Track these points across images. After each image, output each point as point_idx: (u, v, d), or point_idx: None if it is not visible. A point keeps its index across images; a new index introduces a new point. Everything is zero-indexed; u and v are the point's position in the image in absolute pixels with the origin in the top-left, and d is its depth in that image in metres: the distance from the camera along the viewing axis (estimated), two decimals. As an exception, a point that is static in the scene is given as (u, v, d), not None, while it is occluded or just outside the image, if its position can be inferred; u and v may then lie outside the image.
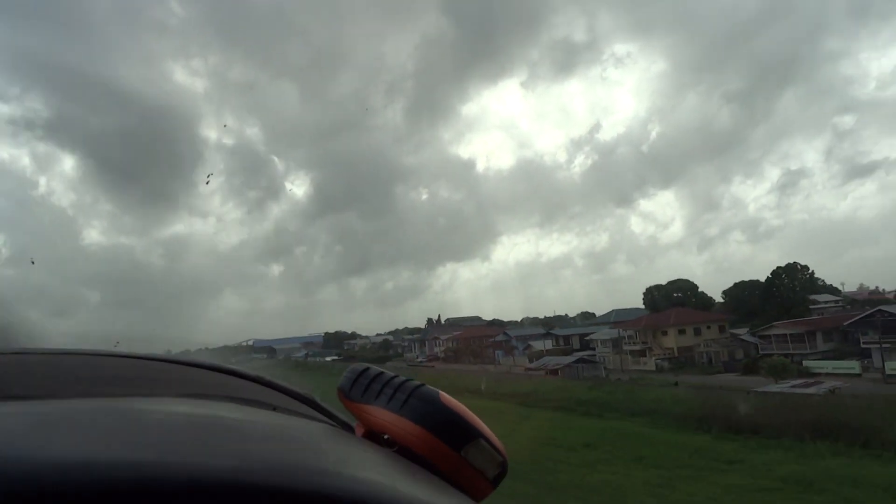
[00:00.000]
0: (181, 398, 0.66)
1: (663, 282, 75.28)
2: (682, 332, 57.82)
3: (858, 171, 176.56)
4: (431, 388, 0.63)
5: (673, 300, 70.86)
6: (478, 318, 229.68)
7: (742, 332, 58.57)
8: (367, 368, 0.66)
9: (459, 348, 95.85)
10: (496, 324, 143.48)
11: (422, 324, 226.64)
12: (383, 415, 0.62)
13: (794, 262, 55.70)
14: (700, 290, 72.64)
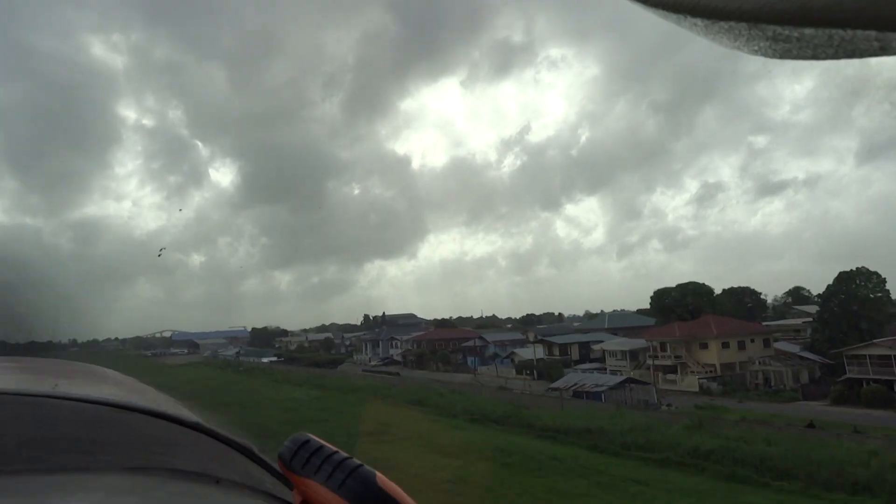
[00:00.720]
0: (118, 474, 0.64)
1: (672, 285, 65.45)
2: (725, 345, 47.97)
3: (769, 188, 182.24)
4: (370, 469, 0.63)
5: (686, 307, 61.27)
6: (412, 316, 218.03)
7: (789, 347, 49.68)
8: (309, 440, 0.66)
9: (422, 352, 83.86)
10: (448, 324, 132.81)
11: (352, 320, 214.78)
12: (321, 491, 0.63)
13: (863, 267, 46.67)
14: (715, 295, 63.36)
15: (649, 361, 51.56)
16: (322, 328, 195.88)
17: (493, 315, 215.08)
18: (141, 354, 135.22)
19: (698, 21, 0.38)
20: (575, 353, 61.27)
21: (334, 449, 0.66)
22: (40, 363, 1.27)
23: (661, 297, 64.07)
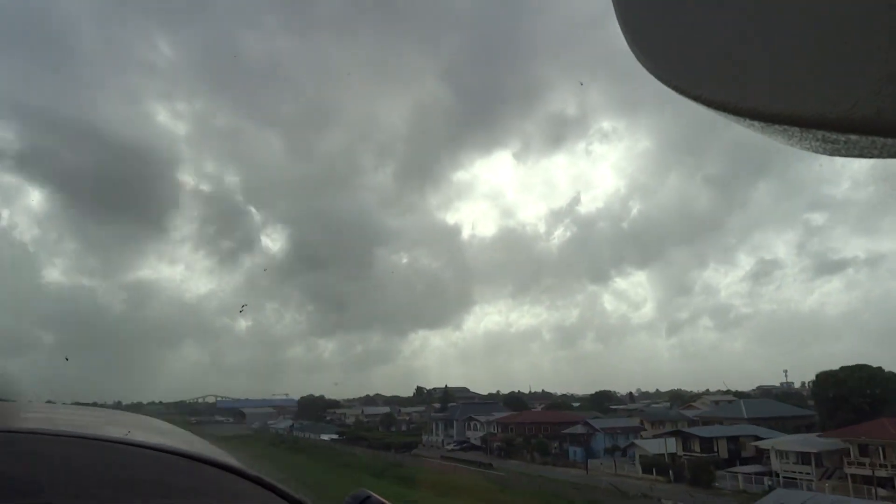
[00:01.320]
0: None
1: (836, 366, 53.21)
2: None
3: (828, 267, 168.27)
4: None
5: (854, 393, 48.87)
6: (465, 390, 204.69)
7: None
8: (369, 497, 0.67)
9: (510, 437, 72.15)
10: (519, 400, 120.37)
11: (395, 391, 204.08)
12: None
13: None
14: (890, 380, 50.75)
15: (847, 469, 39.31)
16: (368, 399, 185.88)
17: (543, 391, 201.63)
18: (185, 421, 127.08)
19: (755, 123, 0.42)
20: (723, 450, 49.07)
21: None
22: (107, 413, 1.32)
23: (825, 380, 51.82)
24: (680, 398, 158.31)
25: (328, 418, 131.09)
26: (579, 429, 63.43)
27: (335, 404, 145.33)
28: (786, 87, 0.38)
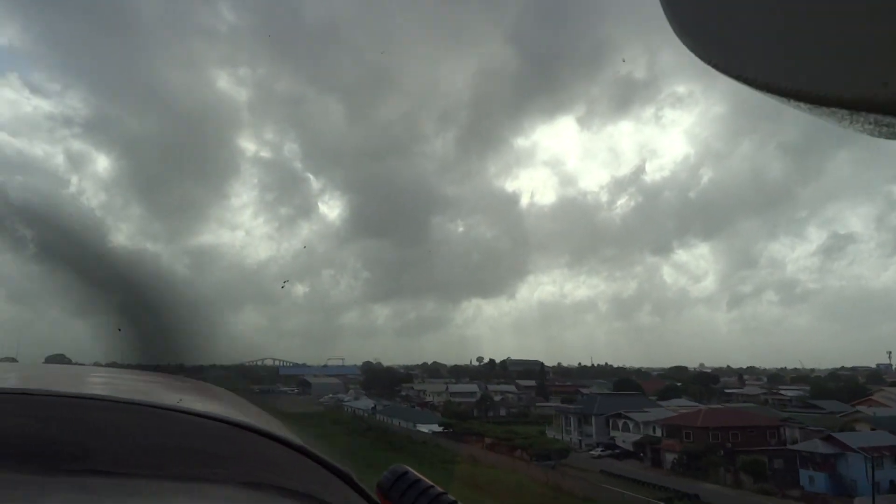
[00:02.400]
0: (232, 487, 0.70)
1: None
2: None
3: None
4: None
5: None
6: (537, 363, 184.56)
7: None
8: (407, 472, 0.69)
9: (696, 448, 48.73)
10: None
11: (450, 360, 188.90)
12: None
13: None
14: None
15: None
16: (428, 368, 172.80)
17: (607, 364, 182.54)
18: (248, 389, 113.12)
19: (801, 105, 0.40)
20: None
21: (430, 483, 0.67)
22: (165, 378, 1.38)
23: None
24: (778, 379, 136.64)
25: (402, 393, 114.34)
26: (819, 446, 42.78)
27: (408, 378, 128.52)
28: (831, 67, 0.36)
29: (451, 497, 0.65)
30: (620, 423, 59.44)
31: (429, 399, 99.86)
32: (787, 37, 0.40)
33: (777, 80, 0.40)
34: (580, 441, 60.34)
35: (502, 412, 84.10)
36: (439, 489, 0.66)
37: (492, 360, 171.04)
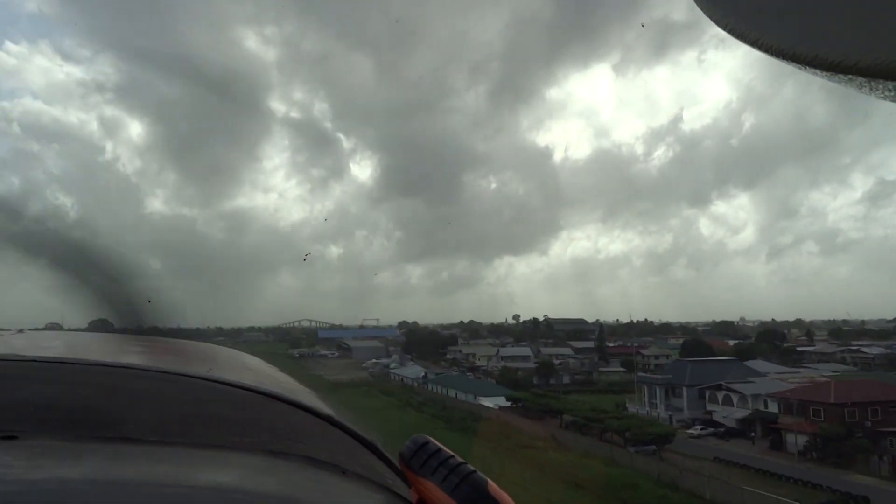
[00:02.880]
0: (260, 456, 0.71)
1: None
2: None
3: None
4: (482, 476, 0.66)
5: None
6: (581, 321, 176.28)
7: None
8: (428, 442, 0.70)
9: (826, 429, 39.27)
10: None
11: (483, 318, 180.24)
12: (435, 492, 0.65)
13: None
14: None
15: None
16: (464, 327, 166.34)
17: (646, 320, 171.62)
18: (288, 354, 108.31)
19: (819, 72, 0.39)
20: None
21: (451, 453, 0.69)
22: (195, 346, 1.39)
23: None
24: (840, 334, 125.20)
25: (448, 356, 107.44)
26: None
27: (453, 340, 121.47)
28: (850, 34, 0.36)
29: (470, 467, 0.66)
30: (721, 395, 50.78)
31: (479, 363, 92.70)
32: (805, 2, 0.39)
33: (794, 47, 0.39)
34: (670, 417, 52.02)
35: (565, 379, 76.28)
36: (459, 459, 0.67)
37: (535, 320, 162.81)
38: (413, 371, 79.61)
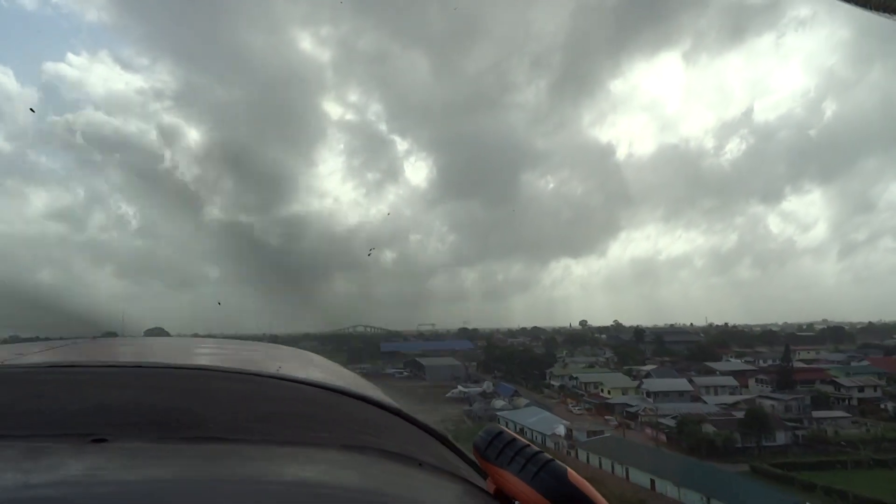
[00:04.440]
0: (336, 451, 0.73)
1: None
2: None
3: None
4: (561, 464, 0.65)
5: None
6: (685, 331, 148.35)
7: None
8: (502, 432, 0.69)
9: None
10: None
11: (540, 323, 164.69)
12: (514, 481, 0.65)
13: None
14: None
15: None
16: (527, 332, 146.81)
17: (727, 324, 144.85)
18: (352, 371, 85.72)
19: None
20: None
21: (526, 442, 0.68)
22: (262, 347, 1.46)
23: None
24: None
25: (549, 382, 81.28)
26: None
27: (551, 359, 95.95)
28: None
29: (548, 455, 0.65)
30: None
31: (608, 397, 66.66)
32: None
33: None
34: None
35: (780, 437, 49.65)
36: (535, 448, 0.66)
37: (638, 329, 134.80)
38: (537, 418, 53.52)
